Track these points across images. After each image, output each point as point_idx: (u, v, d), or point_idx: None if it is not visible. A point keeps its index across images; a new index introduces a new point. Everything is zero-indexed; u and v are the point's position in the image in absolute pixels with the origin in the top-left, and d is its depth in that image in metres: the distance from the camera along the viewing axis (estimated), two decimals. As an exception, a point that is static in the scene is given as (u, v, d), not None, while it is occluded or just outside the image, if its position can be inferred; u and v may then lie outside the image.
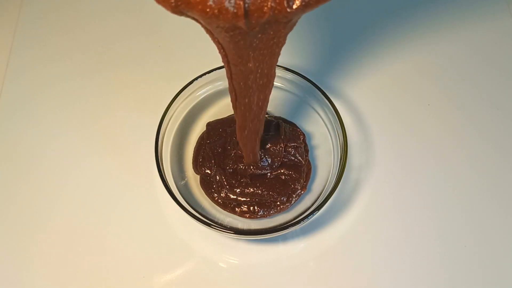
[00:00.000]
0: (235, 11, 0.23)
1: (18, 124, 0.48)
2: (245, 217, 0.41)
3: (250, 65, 0.29)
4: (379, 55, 0.52)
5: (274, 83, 0.45)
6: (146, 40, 0.53)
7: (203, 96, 0.45)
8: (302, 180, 0.42)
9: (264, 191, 0.41)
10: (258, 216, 0.41)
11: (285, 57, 0.50)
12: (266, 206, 0.41)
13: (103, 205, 0.44)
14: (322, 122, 0.44)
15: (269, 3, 0.23)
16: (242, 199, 0.41)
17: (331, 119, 0.43)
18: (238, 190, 0.41)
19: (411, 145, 0.47)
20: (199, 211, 0.39)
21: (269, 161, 0.41)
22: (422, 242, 0.42)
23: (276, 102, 0.47)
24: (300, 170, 0.42)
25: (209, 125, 0.44)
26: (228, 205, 0.41)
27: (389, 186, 0.45)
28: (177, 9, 0.24)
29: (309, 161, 0.44)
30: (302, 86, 0.44)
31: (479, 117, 0.48)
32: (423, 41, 0.53)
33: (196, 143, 0.45)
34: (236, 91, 0.32)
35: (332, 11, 0.55)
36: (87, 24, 0.55)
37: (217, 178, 0.41)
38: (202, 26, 0.27)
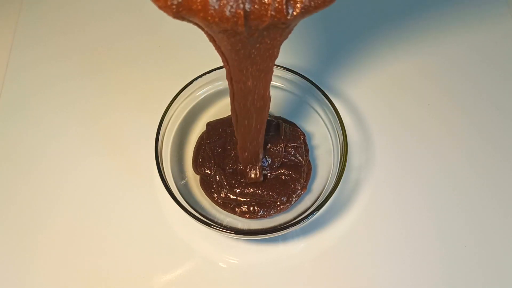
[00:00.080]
0: (235, 19, 0.23)
1: (18, 124, 0.48)
2: (245, 217, 0.41)
3: (249, 83, 0.31)
4: (379, 55, 0.52)
5: (275, 83, 0.46)
6: (146, 40, 0.53)
7: (203, 96, 0.45)
8: (302, 180, 0.42)
9: (264, 191, 0.41)
10: (258, 216, 0.41)
11: (285, 57, 0.50)
12: (266, 206, 0.41)
13: (103, 205, 0.44)
14: (322, 122, 0.44)
15: (269, 12, 0.23)
16: (242, 199, 0.41)
17: (331, 119, 0.43)
18: (238, 190, 0.41)
19: (411, 145, 0.47)
20: (199, 211, 0.39)
21: (269, 161, 0.41)
22: (422, 242, 0.42)
23: (276, 102, 0.47)
24: (300, 170, 0.42)
25: (209, 125, 0.44)
26: (228, 205, 0.41)
27: (389, 186, 0.45)
28: (178, 15, 0.24)
29: (309, 161, 0.44)
30: (302, 86, 0.44)
31: (479, 117, 0.48)
32: (423, 41, 0.53)
33: (196, 143, 0.45)
34: (237, 113, 0.35)
35: (332, 11, 0.55)
36: (87, 24, 0.55)
37: (217, 178, 0.41)
38: (205, 33, 0.28)
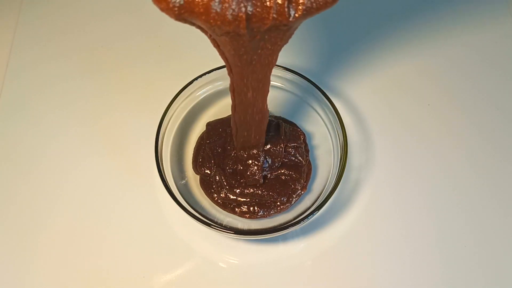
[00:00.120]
0: (237, 22, 0.23)
1: (18, 124, 0.48)
2: (245, 217, 0.41)
3: (249, 94, 0.32)
4: (380, 55, 0.52)
5: (275, 83, 0.46)
6: (146, 40, 0.53)
7: (203, 96, 0.45)
8: (302, 180, 0.42)
9: (264, 191, 0.41)
10: (258, 217, 0.41)
11: (285, 57, 0.50)
12: (266, 207, 0.41)
13: (103, 205, 0.44)
14: (322, 122, 0.44)
15: (271, 15, 0.23)
16: (242, 199, 0.41)
17: (331, 119, 0.43)
18: (238, 190, 0.41)
19: (411, 145, 0.47)
20: (199, 211, 0.39)
21: (270, 162, 0.41)
22: (422, 242, 0.42)
23: (276, 102, 0.47)
24: (300, 170, 0.42)
25: (209, 125, 0.44)
26: (228, 206, 0.41)
27: (389, 186, 0.45)
28: (180, 18, 0.24)
29: (309, 161, 0.44)
30: (302, 86, 0.44)
31: (479, 117, 0.48)
32: (424, 41, 0.53)
33: (196, 143, 0.45)
34: (237, 125, 0.37)
35: (333, 12, 0.55)
36: (87, 24, 0.55)
37: (217, 178, 0.41)
38: (209, 38, 0.28)
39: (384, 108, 0.49)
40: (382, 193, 0.44)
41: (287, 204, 0.41)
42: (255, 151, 0.40)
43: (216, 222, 0.38)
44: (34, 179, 0.45)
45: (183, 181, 0.43)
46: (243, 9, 0.23)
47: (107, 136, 0.47)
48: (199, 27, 0.26)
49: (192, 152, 0.45)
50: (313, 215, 0.37)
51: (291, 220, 0.39)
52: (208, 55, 0.50)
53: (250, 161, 0.40)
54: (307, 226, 0.43)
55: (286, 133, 0.42)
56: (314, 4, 0.24)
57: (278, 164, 0.41)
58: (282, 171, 0.42)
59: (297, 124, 0.46)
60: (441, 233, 0.43)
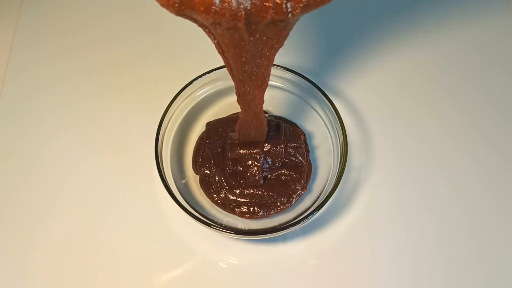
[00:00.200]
0: (236, 17, 0.24)
1: (18, 124, 0.48)
2: (245, 218, 0.41)
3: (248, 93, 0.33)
4: (379, 55, 0.52)
5: (275, 83, 0.46)
6: (146, 40, 0.53)
7: (203, 96, 0.45)
8: (302, 181, 0.42)
9: (264, 191, 0.41)
10: (258, 217, 0.41)
11: (285, 57, 0.50)
12: (266, 207, 0.41)
13: (103, 205, 0.44)
14: (322, 122, 0.44)
15: (270, 11, 0.24)
16: (242, 200, 0.41)
17: (331, 119, 0.43)
18: (238, 191, 0.41)
19: (411, 145, 0.47)
20: (199, 211, 0.39)
21: (270, 163, 0.41)
22: (422, 242, 0.42)
23: (276, 102, 0.47)
24: (301, 171, 0.42)
25: (208, 125, 0.44)
26: (227, 206, 0.41)
27: (389, 186, 0.45)
28: (180, 13, 0.24)
29: (310, 161, 0.44)
30: (302, 86, 0.44)
31: (479, 117, 0.48)
32: (424, 41, 0.53)
33: (196, 143, 0.45)
34: (240, 128, 0.39)
35: (332, 9, 0.55)
36: (87, 24, 0.55)
37: (216, 178, 0.41)
38: (213, 42, 0.29)
39: (384, 108, 0.49)
40: (382, 193, 0.44)
41: (287, 204, 0.41)
42: (254, 152, 0.40)
43: (216, 222, 0.38)
44: (34, 179, 0.45)
45: (183, 181, 0.43)
46: (242, 5, 0.23)
47: (107, 136, 0.47)
48: (201, 24, 0.26)
49: (192, 152, 0.44)
50: (313, 215, 0.37)
51: (291, 220, 0.39)
52: (208, 55, 0.50)
53: (250, 162, 0.40)
54: (307, 226, 0.43)
55: (286, 134, 0.42)
56: (311, 1, 0.24)
57: (279, 165, 0.41)
58: (283, 171, 0.42)
59: (297, 124, 0.46)
60: (441, 233, 0.43)
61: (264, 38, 0.27)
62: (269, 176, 0.42)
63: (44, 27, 0.54)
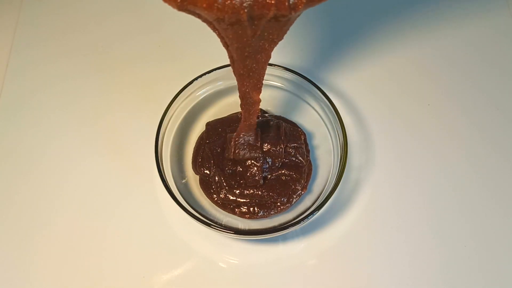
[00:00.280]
0: (238, 11, 0.24)
1: (18, 124, 0.48)
2: (245, 218, 0.41)
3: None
4: (380, 55, 0.52)
5: (275, 83, 0.46)
6: (146, 40, 0.53)
7: (203, 96, 0.45)
8: (302, 181, 0.42)
9: (264, 192, 0.41)
10: (258, 217, 0.41)
11: (285, 57, 0.50)
12: (266, 207, 0.41)
13: (103, 205, 0.44)
14: (322, 122, 0.44)
15: (271, 12, 0.24)
16: (242, 200, 0.41)
17: (331, 119, 0.43)
18: (238, 191, 0.41)
19: (411, 145, 0.47)
20: (199, 211, 0.39)
21: (270, 163, 0.41)
22: (422, 242, 0.42)
23: (276, 102, 0.47)
24: (301, 171, 0.42)
25: (208, 124, 0.44)
26: (227, 206, 0.41)
27: (389, 186, 0.45)
28: (182, 7, 0.24)
29: (310, 161, 0.44)
30: (302, 85, 0.44)
31: (479, 117, 0.48)
32: (424, 41, 0.53)
33: (196, 143, 0.45)
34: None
35: (332, 9, 0.55)
36: (87, 24, 0.55)
37: (216, 179, 0.41)
38: (218, 36, 0.29)
39: (384, 108, 0.49)
40: (382, 193, 0.44)
41: (287, 204, 0.41)
42: (254, 152, 0.40)
43: (216, 222, 0.38)
44: (34, 179, 0.45)
45: (183, 181, 0.43)
46: (245, 2, 0.24)
47: (107, 136, 0.47)
48: (205, 20, 0.27)
49: (192, 152, 0.44)
50: (313, 215, 0.37)
51: (291, 220, 0.39)
52: (208, 55, 0.50)
53: (250, 162, 0.40)
54: (307, 226, 0.43)
55: (286, 134, 0.42)
56: None
57: (279, 165, 0.41)
58: (283, 171, 0.42)
59: (297, 124, 0.46)
60: (441, 233, 0.43)
61: (266, 34, 0.27)
62: (269, 176, 0.42)
63: (44, 27, 0.54)
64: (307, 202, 0.42)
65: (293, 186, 0.41)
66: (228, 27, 0.26)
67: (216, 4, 0.24)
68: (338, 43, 0.53)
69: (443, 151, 0.47)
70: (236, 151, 0.40)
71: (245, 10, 0.24)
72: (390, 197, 0.44)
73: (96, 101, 0.50)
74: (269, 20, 0.25)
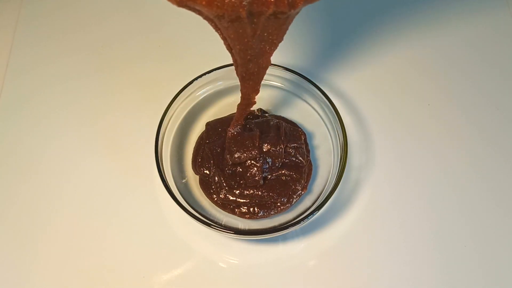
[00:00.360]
0: (237, 6, 0.24)
1: (18, 124, 0.48)
2: (245, 218, 0.41)
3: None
4: (380, 55, 0.52)
5: (275, 83, 0.46)
6: (146, 40, 0.53)
7: (203, 96, 0.45)
8: (303, 181, 0.42)
9: (264, 192, 0.41)
10: (258, 217, 0.41)
11: (285, 57, 0.50)
12: (266, 207, 0.41)
13: (103, 205, 0.44)
14: (322, 122, 0.44)
15: (271, 8, 0.24)
16: (242, 200, 0.41)
17: (331, 119, 0.43)
18: (238, 191, 0.41)
19: (411, 145, 0.47)
20: (199, 211, 0.39)
21: (270, 163, 0.41)
22: (422, 242, 0.42)
23: (276, 102, 0.47)
24: (301, 171, 0.42)
25: (208, 124, 0.44)
26: (227, 206, 0.41)
27: (389, 186, 0.45)
28: (182, 4, 0.24)
29: (310, 161, 0.44)
30: (302, 85, 0.44)
31: (479, 117, 0.48)
32: (424, 41, 0.53)
33: (196, 142, 0.45)
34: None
35: (333, 8, 0.55)
36: (87, 24, 0.55)
37: (216, 179, 0.41)
38: (221, 37, 0.29)
39: (384, 108, 0.49)
40: (382, 193, 0.44)
41: (288, 204, 0.41)
42: (253, 153, 0.40)
43: (216, 222, 0.38)
44: (34, 179, 0.45)
45: (183, 181, 0.43)
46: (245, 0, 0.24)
47: (107, 136, 0.47)
48: (206, 17, 0.27)
49: (192, 152, 0.44)
50: (313, 215, 0.37)
51: (291, 220, 0.39)
52: (208, 55, 0.50)
53: (250, 163, 0.40)
54: (307, 226, 0.43)
55: (286, 134, 0.42)
56: None
57: (279, 165, 0.41)
58: (283, 171, 0.42)
59: (297, 124, 0.46)
60: (441, 233, 0.43)
61: (265, 34, 0.27)
62: (269, 176, 0.42)
63: (44, 27, 0.54)
64: (307, 202, 0.42)
65: (293, 186, 0.41)
66: (229, 25, 0.26)
67: (216, 1, 0.24)
68: (338, 43, 0.53)
69: (443, 151, 0.47)
70: (234, 157, 0.40)
71: (245, 7, 0.24)
72: (390, 197, 0.44)
73: (96, 101, 0.50)
74: (268, 17, 0.25)
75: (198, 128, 0.46)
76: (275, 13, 0.25)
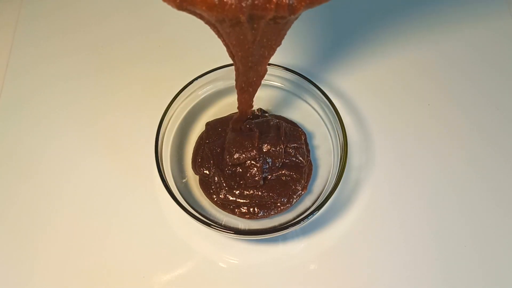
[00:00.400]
0: (237, 10, 0.24)
1: (18, 124, 0.48)
2: (245, 218, 0.41)
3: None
4: (380, 55, 0.52)
5: (275, 83, 0.46)
6: (146, 40, 0.53)
7: (203, 96, 0.45)
8: (303, 181, 0.42)
9: (264, 192, 0.41)
10: (258, 217, 0.41)
11: (285, 57, 0.50)
12: (266, 208, 0.41)
13: (103, 205, 0.44)
14: (322, 122, 0.44)
15: (271, 12, 0.24)
16: (242, 200, 0.41)
17: (331, 119, 0.43)
18: (238, 191, 0.41)
19: (411, 145, 0.47)
20: (199, 211, 0.39)
21: (270, 163, 0.41)
22: (422, 242, 0.42)
23: (276, 102, 0.47)
24: (301, 171, 0.42)
25: (208, 124, 0.44)
26: (227, 206, 0.41)
27: (389, 186, 0.45)
28: (182, 7, 0.24)
29: (310, 161, 0.44)
30: (302, 85, 0.44)
31: (479, 117, 0.48)
32: (424, 41, 0.53)
33: (196, 142, 0.45)
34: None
35: (333, 9, 0.55)
36: (87, 24, 0.55)
37: (216, 179, 0.41)
38: (223, 42, 0.29)
39: (384, 108, 0.49)
40: (382, 193, 0.44)
41: (288, 205, 0.41)
42: (253, 153, 0.40)
43: (216, 222, 0.38)
44: (34, 179, 0.45)
45: (183, 181, 0.43)
46: (245, 2, 0.24)
47: (107, 136, 0.47)
48: (208, 21, 0.27)
49: (192, 152, 0.44)
50: (313, 215, 0.37)
51: (291, 220, 0.39)
52: (208, 55, 0.50)
53: (250, 163, 0.40)
54: (307, 226, 0.43)
55: (286, 134, 0.42)
56: None
57: (279, 165, 0.41)
58: (283, 171, 0.42)
59: (297, 124, 0.46)
60: (441, 232, 0.43)
61: (265, 40, 0.28)
62: (269, 176, 0.42)
63: (44, 27, 0.54)
64: (307, 202, 0.42)
65: (293, 186, 0.41)
66: (231, 31, 0.26)
67: (216, 6, 0.24)
68: (338, 43, 0.53)
69: (443, 151, 0.47)
70: (233, 158, 0.40)
71: (245, 12, 0.24)
72: (390, 197, 0.44)
73: (96, 101, 0.50)
74: (268, 22, 0.25)
75: (198, 128, 0.46)
76: (275, 18, 0.25)
